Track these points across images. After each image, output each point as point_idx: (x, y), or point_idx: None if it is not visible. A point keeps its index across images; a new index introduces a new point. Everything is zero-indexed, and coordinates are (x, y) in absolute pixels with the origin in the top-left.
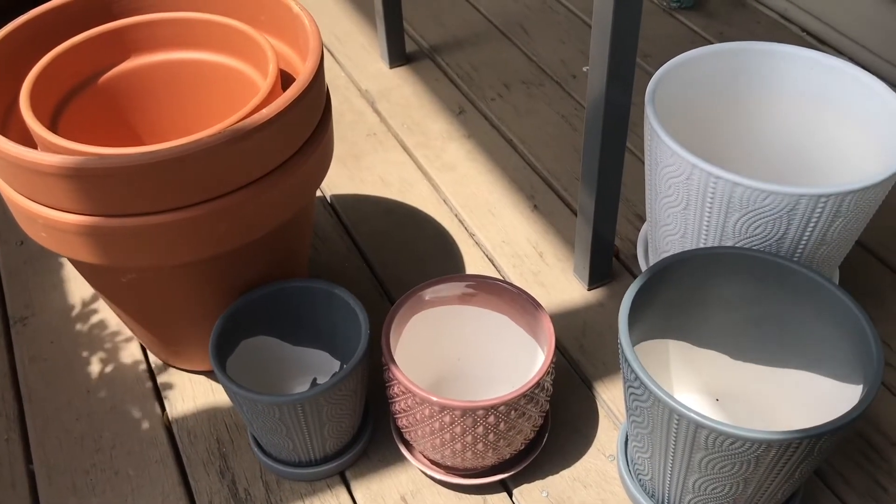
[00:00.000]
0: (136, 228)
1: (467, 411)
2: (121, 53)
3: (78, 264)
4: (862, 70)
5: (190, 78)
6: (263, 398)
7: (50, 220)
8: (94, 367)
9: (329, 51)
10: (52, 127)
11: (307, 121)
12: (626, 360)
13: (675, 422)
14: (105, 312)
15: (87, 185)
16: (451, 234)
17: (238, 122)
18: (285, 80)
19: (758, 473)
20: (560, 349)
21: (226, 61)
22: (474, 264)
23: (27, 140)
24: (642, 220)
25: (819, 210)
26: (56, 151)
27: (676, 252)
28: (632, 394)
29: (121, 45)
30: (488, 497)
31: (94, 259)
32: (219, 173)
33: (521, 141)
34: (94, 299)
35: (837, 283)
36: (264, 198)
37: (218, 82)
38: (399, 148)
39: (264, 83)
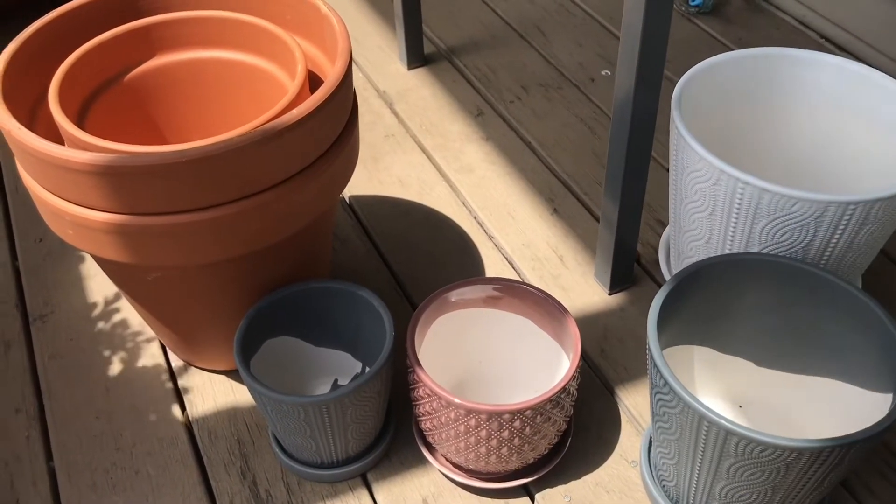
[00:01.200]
0: (164, 227)
1: (493, 415)
2: (148, 51)
3: (103, 262)
4: (884, 75)
5: (216, 77)
6: (289, 399)
7: (78, 217)
8: (115, 366)
9: None
10: (80, 123)
11: (335, 122)
12: (656, 365)
13: (705, 428)
14: (126, 312)
15: (117, 182)
16: (471, 236)
17: (267, 122)
18: (312, 80)
19: (787, 481)
20: (581, 354)
21: (252, 61)
22: (494, 267)
23: (54, 136)
24: (663, 225)
25: (847, 217)
26: (84, 148)
27: (701, 258)
28: (660, 399)
29: (148, 42)
30: (511, 501)
31: (121, 257)
32: (248, 173)
33: (540, 144)
34: (115, 298)
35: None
36: (292, 198)
37: (244, 82)
38: (417, 149)
39: (292, 84)
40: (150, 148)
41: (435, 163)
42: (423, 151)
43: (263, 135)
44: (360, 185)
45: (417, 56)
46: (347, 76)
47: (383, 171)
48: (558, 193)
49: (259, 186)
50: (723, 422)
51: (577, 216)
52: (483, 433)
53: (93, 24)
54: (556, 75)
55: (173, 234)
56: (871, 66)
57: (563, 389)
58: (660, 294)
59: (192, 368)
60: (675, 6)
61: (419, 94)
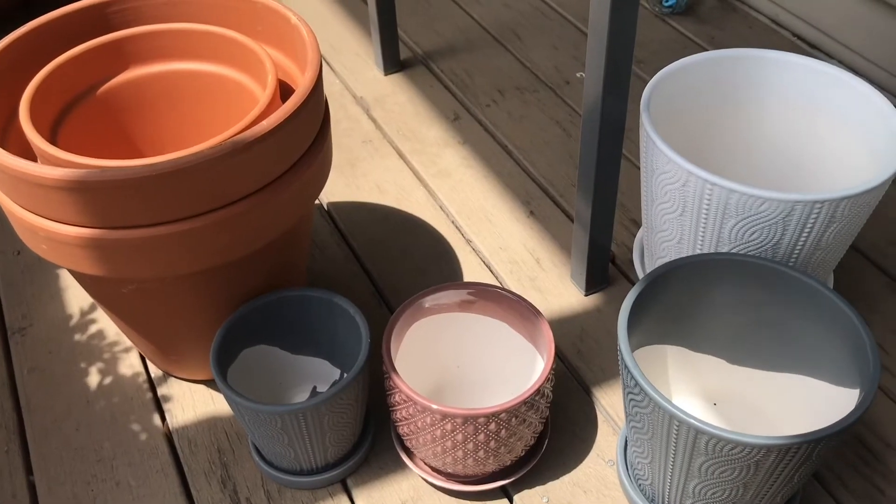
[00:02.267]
0: (137, 240)
1: (469, 419)
2: (119, 64)
3: (78, 275)
4: (853, 76)
5: (188, 88)
6: (265, 408)
7: (51, 232)
8: (94, 378)
9: (324, 58)
10: (52, 139)
11: (306, 132)
12: (626, 366)
13: (675, 427)
14: (103, 322)
15: (88, 197)
16: (448, 240)
17: (238, 133)
18: (284, 90)
19: (757, 478)
20: (558, 355)
21: (224, 72)
22: (472, 271)
23: (27, 152)
24: (638, 225)
25: (814, 216)
26: (57, 164)
27: (673, 258)
28: (631, 400)
29: (119, 56)
30: (489, 503)
31: (95, 271)
32: (220, 185)
33: (516, 147)
34: (91, 309)
35: (832, 287)
36: (265, 208)
37: (216, 93)
38: (395, 155)
39: (263, 94)
40: (121, 162)
41: (412, 168)
42: (400, 157)
43: (234, 146)
44: (337, 191)
45: (394, 62)
46: (318, 86)
47: (361, 176)
48: (534, 196)
49: (232, 198)
50: (692, 421)
51: (553, 218)
52: (459, 437)
53: (64, 38)
54: (532, 79)
55: (147, 248)
56: (843, 63)
57: (538, 391)
58: (630, 295)
59: (172, 378)
60: (648, 7)
61: (396, 99)
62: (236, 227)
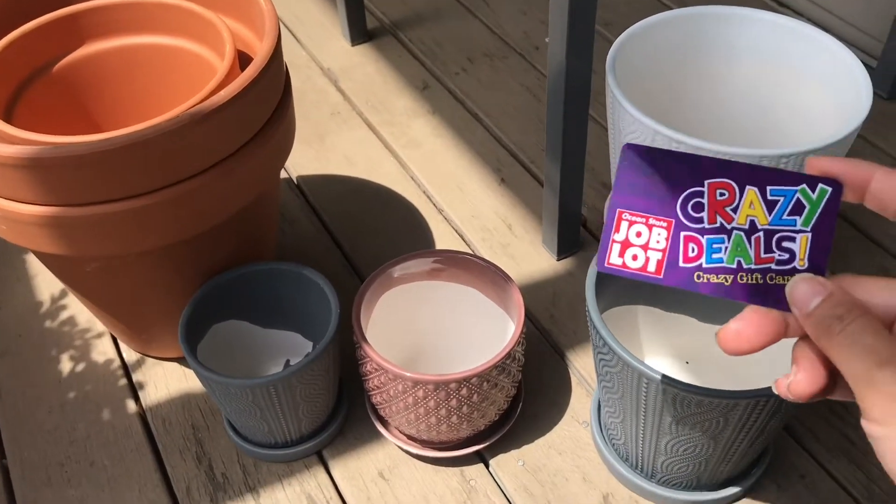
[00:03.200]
0: (97, 217)
1: (440, 385)
2: (76, 40)
3: (41, 255)
4: (819, 30)
5: (147, 63)
6: (235, 381)
7: (9, 211)
8: (66, 362)
9: (289, 30)
10: (7, 117)
11: (267, 101)
12: (594, 326)
13: (644, 385)
14: (74, 308)
15: (44, 174)
16: (420, 210)
17: (195, 105)
18: (244, 61)
19: (727, 432)
20: (531, 320)
21: (183, 44)
22: (444, 240)
23: None
24: (608, 188)
25: None
26: (11, 142)
27: None
28: (601, 359)
29: (75, 31)
30: (465, 469)
31: (55, 249)
32: (179, 158)
33: (487, 114)
34: (62, 296)
35: None
36: (227, 181)
37: (176, 66)
38: (364, 126)
39: (221, 65)
40: (75, 138)
41: (382, 139)
42: (369, 128)
43: (191, 118)
44: (306, 164)
45: (361, 32)
46: (276, 54)
47: (330, 149)
48: (506, 163)
49: (192, 171)
50: (660, 377)
51: (524, 185)
52: (431, 403)
53: (17, 14)
54: (501, 45)
55: (107, 224)
56: (811, 20)
57: (508, 355)
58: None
59: (144, 359)
60: None
61: (364, 70)
62: (198, 200)
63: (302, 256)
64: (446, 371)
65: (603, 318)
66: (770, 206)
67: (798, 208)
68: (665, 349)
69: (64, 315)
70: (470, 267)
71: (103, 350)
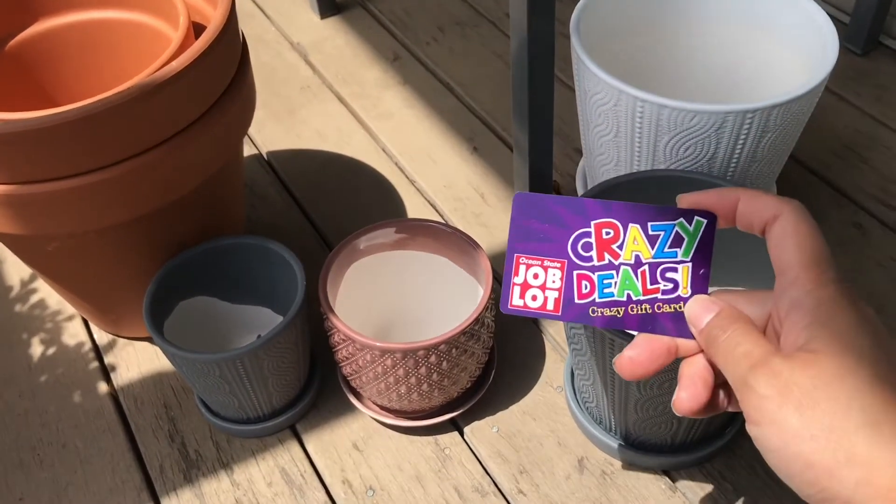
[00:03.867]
0: (50, 194)
1: (408, 353)
2: (27, 17)
3: (1, 236)
4: None
5: (103, 38)
6: (201, 356)
7: None
8: (36, 346)
9: (257, 5)
10: None
11: (222, 71)
12: None
13: (609, 346)
14: (44, 291)
15: None
16: (392, 182)
17: (148, 76)
18: (202, 33)
19: None
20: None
21: (138, 18)
22: (416, 211)
23: None
24: (580, 154)
25: (747, 126)
26: None
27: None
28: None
29: (27, 8)
30: (439, 437)
31: (10, 229)
32: (132, 131)
33: (458, 84)
34: (32, 279)
35: None
36: (184, 153)
37: (132, 41)
38: (334, 99)
39: (175, 37)
40: (25, 114)
41: (353, 112)
42: (340, 101)
43: (142, 90)
44: (276, 139)
45: (330, 5)
46: (230, 22)
47: (300, 124)
48: (478, 132)
49: (147, 144)
50: (623, 339)
51: (497, 153)
52: (401, 371)
53: None
54: (472, 13)
55: (61, 201)
56: None
57: (477, 321)
58: None
59: (115, 340)
60: None
61: (333, 43)
62: (154, 175)
63: (273, 232)
64: (418, 339)
65: None
66: (652, 240)
67: (678, 241)
68: None
69: (34, 299)
70: (436, 235)
71: (74, 332)
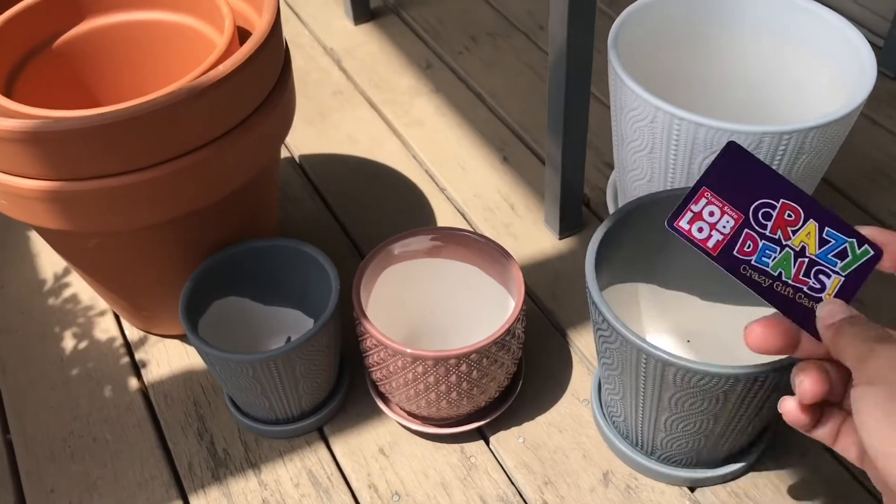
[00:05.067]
0: (96, 192)
1: (440, 360)
2: (76, 16)
3: (42, 231)
4: (824, 7)
5: (147, 39)
6: (235, 357)
7: (9, 186)
8: (69, 342)
9: (292, 9)
10: (7, 92)
11: (266, 76)
12: (594, 302)
13: (644, 362)
14: (77, 286)
15: (44, 149)
16: (422, 189)
17: (194, 80)
18: (244, 37)
19: (727, 408)
20: (533, 298)
21: (183, 20)
22: (445, 219)
23: None
24: (611, 167)
25: (783, 147)
26: (11, 116)
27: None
28: (601, 336)
29: (75, 7)
30: (465, 445)
31: (56, 225)
32: (178, 132)
33: (490, 94)
34: (65, 273)
35: None
36: (227, 156)
37: (176, 42)
38: (366, 105)
39: (221, 40)
40: (76, 112)
41: (385, 118)
42: (372, 107)
43: (190, 92)
44: (308, 143)
45: (364, 11)
46: (275, 28)
47: (332, 128)
48: (508, 142)
49: (191, 145)
50: (660, 353)
51: (527, 164)
52: (431, 379)
53: None
54: (505, 24)
55: (106, 199)
56: None
57: (508, 331)
58: (597, 232)
59: (146, 336)
60: None
61: (367, 49)
62: (197, 175)
63: (304, 235)
64: (448, 348)
65: (603, 295)
66: (822, 242)
67: (842, 255)
68: (666, 327)
69: (67, 293)
70: (470, 244)
71: (106, 328)
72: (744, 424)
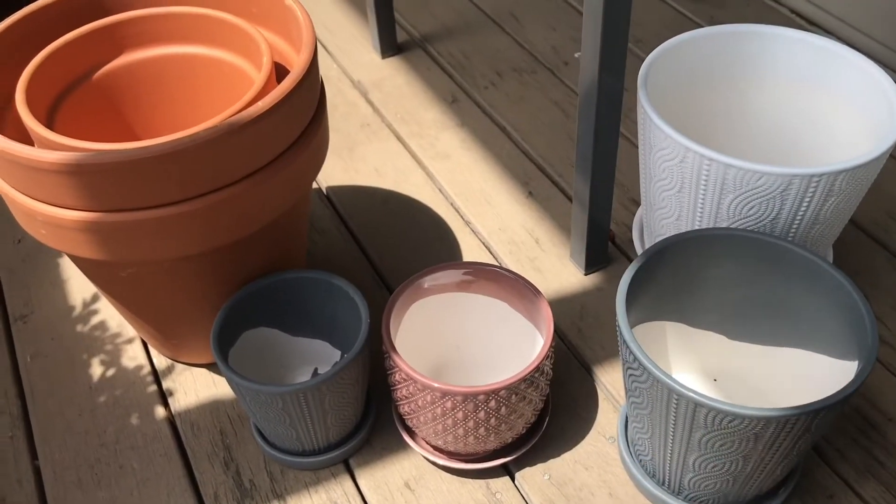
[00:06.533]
0: (135, 223)
1: (469, 396)
2: (115, 49)
3: (77, 260)
4: (850, 49)
5: (184, 72)
6: (266, 388)
7: (49, 216)
8: (97, 366)
9: (321, 42)
10: (49, 124)
11: (302, 112)
12: (625, 341)
13: (675, 401)
14: (105, 313)
15: (85, 180)
16: (447, 222)
17: (234, 114)
18: (279, 72)
19: (757, 450)
20: (559, 334)
21: (219, 55)
22: (471, 252)
23: (24, 138)
24: (637, 204)
25: (812, 190)
26: (53, 148)
27: (672, 234)
28: (630, 375)
29: (114, 41)
30: (491, 481)
31: (93, 255)
32: (216, 166)
33: (515, 128)
34: (94, 300)
35: (832, 261)
36: (262, 190)
37: (212, 76)
38: (393, 138)
39: (258, 76)
40: (117, 145)
41: (411, 150)
42: (398, 140)
43: (230, 128)
44: (336, 175)
45: (391, 45)
46: (313, 66)
47: (359, 160)
48: (533, 177)
49: (228, 180)
50: (691, 394)
51: (552, 199)
52: (460, 414)
53: (58, 23)
54: (530, 59)
55: (144, 230)
56: (840, 39)
57: (537, 369)
58: (628, 271)
59: (174, 364)
60: None
61: (394, 82)
62: (233, 209)
63: (331, 266)
64: (474, 383)
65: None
66: None
67: None
68: (693, 366)
69: (95, 320)
70: (499, 279)
71: (133, 355)
72: (773, 466)
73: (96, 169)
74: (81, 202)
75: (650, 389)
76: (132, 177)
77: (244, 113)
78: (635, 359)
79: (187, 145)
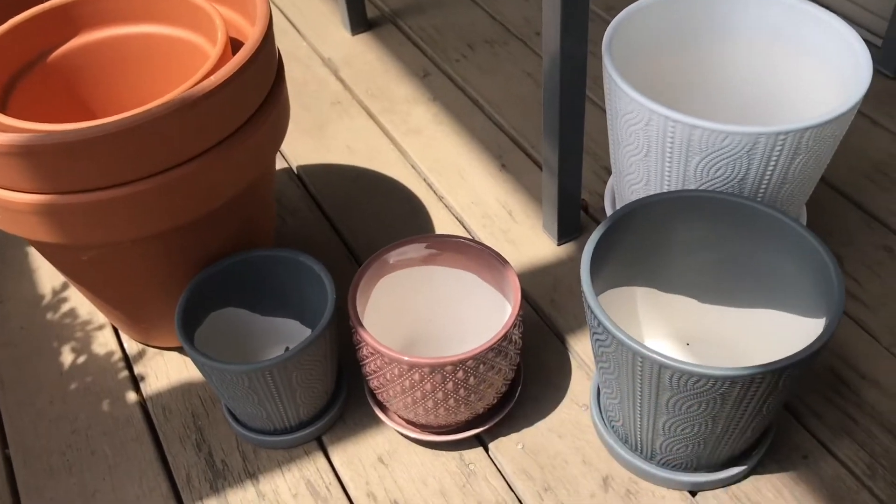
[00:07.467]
0: (90, 204)
1: (436, 367)
2: (68, 31)
3: (37, 245)
4: (817, 6)
5: (140, 52)
6: (231, 367)
7: (3, 200)
8: (68, 353)
9: (289, 20)
10: (2, 107)
11: (258, 86)
12: (589, 306)
13: (640, 364)
14: (75, 301)
15: (37, 162)
16: (420, 198)
17: (188, 90)
18: (237, 48)
19: (725, 411)
20: (532, 304)
21: (176, 33)
22: (444, 226)
23: None
24: (610, 172)
25: (779, 148)
26: (4, 130)
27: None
28: (597, 340)
29: (68, 22)
30: (465, 452)
31: (50, 238)
32: (170, 144)
33: (487, 101)
34: (63, 288)
35: (805, 221)
36: (220, 166)
37: (169, 55)
38: (364, 115)
39: (214, 51)
40: (67, 126)
41: (382, 127)
42: (370, 116)
43: (183, 103)
44: (307, 154)
45: (361, 21)
46: (268, 38)
47: (330, 138)
48: (506, 149)
49: (184, 156)
50: (655, 356)
51: (525, 170)
52: (428, 386)
53: (11, 4)
54: (502, 31)
55: (101, 212)
56: None
57: (505, 337)
58: (593, 235)
59: (145, 349)
60: None
61: (364, 59)
62: (192, 186)
63: (303, 245)
64: (445, 355)
65: (600, 300)
66: None
67: None
68: (665, 331)
69: (65, 307)
70: (465, 251)
71: (104, 342)
72: (743, 427)
73: (48, 150)
74: (35, 184)
75: (615, 353)
76: (85, 157)
77: (196, 88)
78: (599, 323)
79: (139, 122)
